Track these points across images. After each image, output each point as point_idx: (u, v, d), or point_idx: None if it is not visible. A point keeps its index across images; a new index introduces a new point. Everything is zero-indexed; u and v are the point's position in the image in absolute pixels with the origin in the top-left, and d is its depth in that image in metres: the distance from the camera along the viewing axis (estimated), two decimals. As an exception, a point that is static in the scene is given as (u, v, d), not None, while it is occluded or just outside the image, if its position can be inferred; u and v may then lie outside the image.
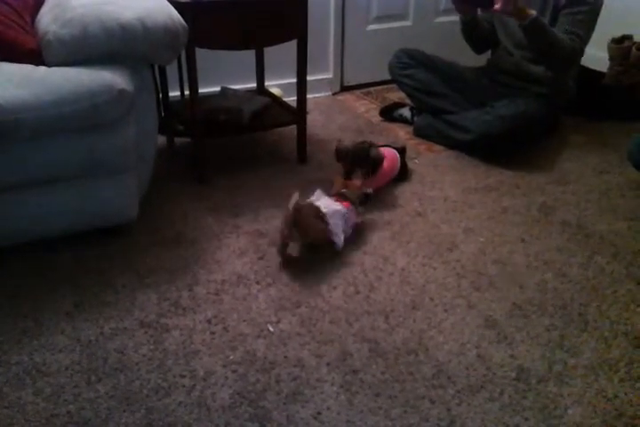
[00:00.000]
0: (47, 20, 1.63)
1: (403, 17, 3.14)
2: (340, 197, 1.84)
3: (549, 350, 1.44)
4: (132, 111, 1.62)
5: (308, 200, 1.77)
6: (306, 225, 1.67)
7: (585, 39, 2.29)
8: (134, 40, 1.58)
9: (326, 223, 1.70)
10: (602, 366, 1.40)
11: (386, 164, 2.08)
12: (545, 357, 1.42)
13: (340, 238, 1.74)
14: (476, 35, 2.54)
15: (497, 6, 2.13)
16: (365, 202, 1.95)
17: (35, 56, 1.59)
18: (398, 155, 2.19)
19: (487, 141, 2.31)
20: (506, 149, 2.33)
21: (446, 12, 3.21)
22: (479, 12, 2.46)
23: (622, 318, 1.55)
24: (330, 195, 1.85)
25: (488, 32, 2.54)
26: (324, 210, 1.71)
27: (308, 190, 1.81)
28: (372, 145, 2.05)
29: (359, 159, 1.99)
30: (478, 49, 2.62)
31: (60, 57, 1.56)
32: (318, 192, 1.83)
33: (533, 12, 2.16)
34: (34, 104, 1.45)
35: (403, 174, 2.22)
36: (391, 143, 2.31)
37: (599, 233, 1.91)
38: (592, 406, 1.29)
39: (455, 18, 3.22)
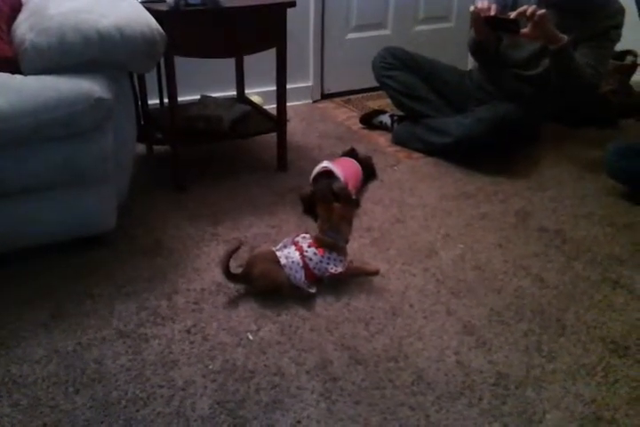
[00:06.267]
0: (24, 28, 1.62)
1: (382, 26, 3.17)
2: (317, 241, 1.65)
3: (527, 356, 1.45)
4: (110, 119, 1.61)
5: (273, 248, 1.66)
6: (259, 273, 1.60)
7: (604, 75, 2.29)
8: (112, 48, 1.57)
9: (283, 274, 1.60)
10: (579, 371, 1.41)
11: (347, 172, 2.08)
12: (523, 362, 1.44)
13: (304, 288, 1.62)
14: (481, 55, 2.48)
15: (525, 31, 2.09)
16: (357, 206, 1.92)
17: (11, 64, 1.58)
18: (354, 160, 2.21)
19: (466, 144, 2.32)
20: (484, 152, 2.34)
21: (425, 20, 3.26)
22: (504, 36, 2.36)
23: (599, 323, 1.57)
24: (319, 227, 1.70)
25: (495, 55, 2.43)
26: (282, 261, 1.61)
27: (287, 198, 1.80)
28: (329, 177, 2.00)
29: (325, 198, 1.81)
30: (480, 62, 2.55)
31: (37, 65, 1.55)
32: (286, 240, 1.70)
33: (564, 38, 2.11)
34: (10, 113, 1.44)
35: (371, 174, 2.28)
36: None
37: (576, 239, 1.94)
38: (570, 411, 1.31)
39: (433, 26, 3.29)
